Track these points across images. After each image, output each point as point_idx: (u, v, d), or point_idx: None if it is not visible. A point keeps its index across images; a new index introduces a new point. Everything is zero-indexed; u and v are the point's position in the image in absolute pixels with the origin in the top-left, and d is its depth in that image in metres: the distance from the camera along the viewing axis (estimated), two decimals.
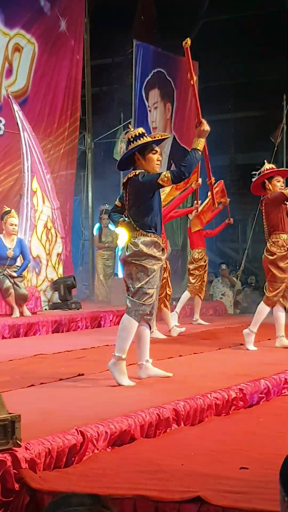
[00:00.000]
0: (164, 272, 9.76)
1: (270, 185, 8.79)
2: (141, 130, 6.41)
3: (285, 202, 8.78)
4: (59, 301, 12.76)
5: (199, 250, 12.21)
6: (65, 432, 4.30)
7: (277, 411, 5.88)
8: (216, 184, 11.61)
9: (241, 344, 8.98)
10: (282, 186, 8.80)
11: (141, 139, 6.33)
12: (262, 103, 18.55)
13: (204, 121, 6.40)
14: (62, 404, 5.40)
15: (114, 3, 16.75)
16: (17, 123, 12.70)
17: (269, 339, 9.25)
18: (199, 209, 11.79)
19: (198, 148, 6.29)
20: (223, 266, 16.14)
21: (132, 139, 6.36)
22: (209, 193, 9.83)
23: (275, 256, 8.76)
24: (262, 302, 8.84)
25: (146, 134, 6.39)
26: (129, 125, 6.63)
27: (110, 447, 4.55)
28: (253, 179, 8.93)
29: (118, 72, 17.58)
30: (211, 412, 5.51)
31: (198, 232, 12.18)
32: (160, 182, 6.22)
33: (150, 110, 16.73)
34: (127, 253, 6.32)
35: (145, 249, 6.25)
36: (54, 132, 14.51)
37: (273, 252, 8.77)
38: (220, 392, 5.70)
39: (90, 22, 15.83)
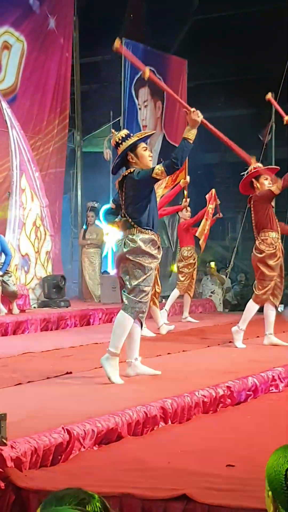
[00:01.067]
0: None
1: (258, 184, 8.80)
2: (125, 132, 6.54)
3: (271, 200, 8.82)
4: (46, 299, 12.75)
5: (188, 248, 12.21)
6: (51, 431, 4.29)
7: (264, 408, 5.89)
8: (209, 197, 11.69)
9: (230, 342, 8.99)
10: (270, 184, 8.80)
11: (129, 139, 6.43)
12: (252, 101, 18.54)
13: (194, 109, 6.40)
14: (49, 402, 5.39)
15: (103, 1, 16.72)
16: (6, 120, 12.67)
17: (258, 336, 9.25)
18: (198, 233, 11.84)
19: (189, 138, 6.31)
20: (212, 264, 16.14)
21: (120, 141, 6.44)
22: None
23: (263, 254, 8.76)
24: (251, 300, 8.85)
25: (131, 134, 6.52)
26: (112, 130, 6.64)
27: (97, 446, 4.54)
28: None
29: (108, 70, 17.54)
30: (199, 410, 5.51)
31: (187, 230, 12.18)
32: (155, 176, 6.28)
33: (140, 108, 16.72)
34: (124, 249, 6.32)
35: (143, 246, 6.27)
36: (43, 129, 14.49)
37: (262, 250, 8.77)
38: (208, 390, 5.69)
39: (79, 20, 15.81)
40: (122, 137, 6.44)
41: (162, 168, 6.23)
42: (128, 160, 6.47)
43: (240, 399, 6.00)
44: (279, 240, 8.87)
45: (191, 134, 6.34)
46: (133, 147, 6.43)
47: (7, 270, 11.39)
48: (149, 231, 6.34)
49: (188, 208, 12.23)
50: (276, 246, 8.77)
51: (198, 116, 6.39)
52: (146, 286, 6.30)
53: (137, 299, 6.27)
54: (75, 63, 15.81)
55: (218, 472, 3.95)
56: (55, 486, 3.71)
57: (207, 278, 15.95)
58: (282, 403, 6.09)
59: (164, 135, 17.50)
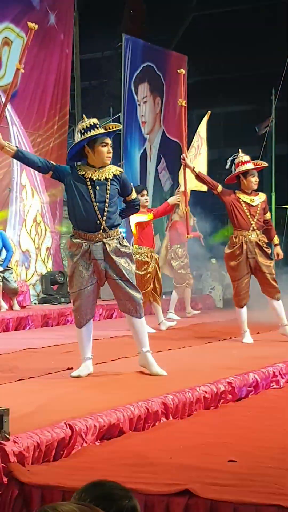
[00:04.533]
0: (147, 267, 9.74)
1: (245, 181, 8.70)
2: (93, 121, 6.26)
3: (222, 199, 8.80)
4: (46, 295, 12.77)
5: (179, 246, 12.25)
6: (53, 426, 4.31)
7: (265, 404, 5.90)
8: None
9: (230, 338, 9.01)
10: (256, 182, 8.73)
11: (92, 130, 6.21)
12: (251, 97, 18.55)
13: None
14: (51, 398, 5.40)
15: None
16: (6, 117, 12.67)
17: (258, 332, 9.27)
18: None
19: None
20: (213, 261, 16.13)
21: (83, 131, 6.23)
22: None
23: (225, 254, 8.76)
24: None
25: (98, 125, 6.26)
26: (84, 115, 6.45)
27: (98, 441, 4.55)
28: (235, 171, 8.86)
29: (108, 66, 17.55)
30: (200, 406, 5.52)
31: (176, 228, 12.27)
32: None
33: (139, 104, 16.73)
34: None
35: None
36: (44, 126, 14.47)
37: (226, 250, 8.77)
38: (209, 386, 5.70)
39: (79, 16, 15.80)
40: (87, 126, 6.21)
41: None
42: (85, 153, 6.32)
43: (241, 395, 6.02)
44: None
45: None
46: (92, 140, 6.24)
47: (8, 267, 11.40)
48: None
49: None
50: (240, 245, 8.65)
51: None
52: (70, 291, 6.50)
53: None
54: (75, 59, 15.79)
55: (220, 467, 3.96)
56: (57, 481, 3.73)
57: (207, 274, 15.95)
58: (283, 399, 6.11)
59: (163, 131, 17.51)
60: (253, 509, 3.34)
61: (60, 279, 12.95)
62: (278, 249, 9.10)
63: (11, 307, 11.34)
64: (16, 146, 6.38)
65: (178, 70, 8.96)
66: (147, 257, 9.75)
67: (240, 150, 8.94)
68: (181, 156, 8.92)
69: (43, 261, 13.10)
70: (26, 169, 12.78)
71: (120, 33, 16.31)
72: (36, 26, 6.56)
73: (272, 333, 9.28)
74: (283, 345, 8.35)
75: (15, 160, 12.61)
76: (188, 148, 8.88)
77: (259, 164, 8.92)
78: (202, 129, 11.31)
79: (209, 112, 11.00)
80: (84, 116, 6.39)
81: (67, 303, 12.47)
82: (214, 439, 4.69)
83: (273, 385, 6.49)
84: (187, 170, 8.96)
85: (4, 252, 11.47)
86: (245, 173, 8.66)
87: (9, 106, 12.69)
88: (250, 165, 8.69)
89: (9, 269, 11.45)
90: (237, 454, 4.20)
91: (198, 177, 8.84)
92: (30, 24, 6.53)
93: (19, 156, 6.35)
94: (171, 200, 9.94)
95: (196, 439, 4.70)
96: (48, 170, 6.35)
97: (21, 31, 13.71)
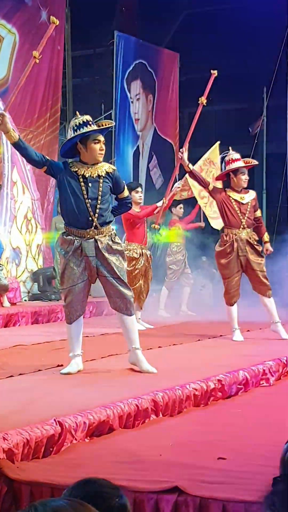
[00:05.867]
0: (136, 263, 9.71)
1: (235, 179, 8.71)
2: (86, 118, 6.24)
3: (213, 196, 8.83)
4: (38, 292, 12.74)
5: (178, 244, 12.30)
6: (43, 423, 4.30)
7: (255, 402, 5.91)
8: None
9: (220, 336, 9.02)
10: (246, 180, 8.74)
11: (85, 127, 6.20)
12: (243, 95, 18.55)
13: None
14: (41, 394, 5.39)
15: None
16: None
17: (248, 330, 9.28)
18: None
19: None
20: (204, 258, 16.14)
21: (76, 128, 6.23)
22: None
23: (216, 252, 8.78)
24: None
25: (91, 122, 6.25)
26: (77, 112, 6.45)
27: (88, 438, 4.55)
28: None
29: (100, 63, 17.52)
30: (190, 403, 5.52)
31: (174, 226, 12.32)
32: None
33: (132, 102, 16.73)
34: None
35: None
36: (35, 122, 14.46)
37: (216, 248, 8.80)
38: (199, 383, 5.71)
39: (71, 13, 15.77)
40: (80, 123, 6.20)
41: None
42: (77, 150, 6.33)
43: (231, 393, 6.02)
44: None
45: None
46: (84, 137, 6.24)
47: None
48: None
49: (181, 205, 12.32)
50: (230, 244, 8.67)
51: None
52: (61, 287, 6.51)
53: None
54: (67, 56, 15.78)
55: (210, 464, 3.96)
56: (47, 478, 3.73)
57: (198, 272, 15.95)
58: (273, 397, 6.12)
59: (155, 128, 17.51)
60: (242, 507, 3.34)
61: (54, 275, 12.94)
62: (267, 246, 9.12)
63: (1, 304, 11.31)
64: (18, 135, 6.34)
65: (212, 71, 9.19)
66: (136, 253, 9.73)
67: (230, 148, 8.95)
68: (180, 150, 8.91)
69: (34, 258, 13.08)
70: (17, 165, 12.75)
71: (112, 30, 16.30)
72: (58, 22, 6.75)
73: (262, 331, 9.31)
74: (273, 343, 8.36)
75: (6, 157, 12.62)
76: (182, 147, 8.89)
77: (249, 162, 8.93)
78: (213, 155, 11.24)
79: (218, 142, 11.08)
80: (77, 112, 6.39)
81: (57, 300, 12.46)
82: (203, 436, 4.69)
83: (263, 383, 6.49)
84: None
85: None
86: (235, 171, 8.68)
87: (0, 102, 12.66)
88: (240, 163, 8.70)
89: (0, 266, 11.43)
90: (226, 452, 4.20)
91: (191, 174, 8.85)
92: (53, 19, 6.80)
93: (19, 145, 6.29)
94: (161, 203, 9.87)
95: (186, 437, 4.71)
96: (43, 165, 6.34)
97: (12, 28, 13.69)
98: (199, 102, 9.05)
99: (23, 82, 6.97)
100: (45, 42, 6.98)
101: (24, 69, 6.89)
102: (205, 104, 9.07)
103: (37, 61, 6.84)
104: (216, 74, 8.95)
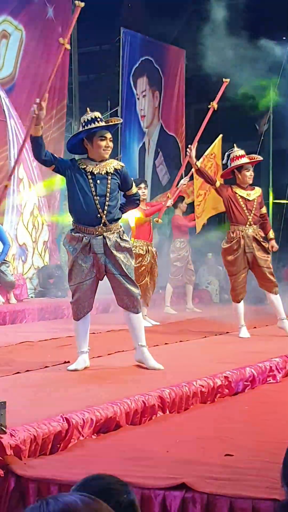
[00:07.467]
0: (142, 260, 9.71)
1: (240, 175, 8.71)
2: (95, 114, 6.26)
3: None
4: (42, 288, 12.76)
5: (181, 240, 12.31)
6: (50, 419, 4.31)
7: (262, 398, 5.90)
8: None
9: (227, 332, 9.02)
10: (251, 176, 8.72)
11: (92, 124, 6.21)
12: (249, 92, 18.50)
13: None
14: (48, 391, 5.40)
15: None
16: (4, 110, 12.64)
17: (255, 327, 9.28)
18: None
19: None
20: (209, 255, 16.14)
21: (84, 124, 6.27)
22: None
23: (222, 249, 8.77)
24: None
25: (99, 119, 6.26)
26: (87, 108, 6.45)
27: (95, 434, 4.55)
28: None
29: (106, 60, 17.49)
30: (197, 400, 5.52)
31: (177, 222, 12.30)
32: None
33: (138, 98, 16.71)
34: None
35: None
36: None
37: (223, 244, 8.78)
38: (206, 380, 5.71)
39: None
40: (88, 120, 6.22)
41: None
42: (84, 146, 6.35)
43: (237, 389, 6.02)
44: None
45: None
46: (90, 134, 6.26)
47: (5, 260, 11.39)
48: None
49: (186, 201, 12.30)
50: (237, 241, 8.67)
51: None
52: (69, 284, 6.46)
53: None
54: (73, 53, 15.76)
55: (217, 461, 3.96)
56: (54, 474, 3.73)
57: (204, 269, 15.96)
58: (280, 394, 6.11)
59: (161, 125, 17.49)
60: (249, 503, 3.34)
61: (56, 273, 12.94)
62: (273, 243, 9.09)
63: (7, 301, 11.33)
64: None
65: (224, 79, 9.32)
66: (142, 250, 9.74)
67: (235, 145, 8.94)
68: (189, 147, 8.89)
69: (40, 255, 13.09)
70: (24, 162, 12.75)
71: (118, 27, 16.27)
72: (83, 4, 6.84)
73: (269, 327, 9.30)
74: (280, 340, 8.35)
75: (12, 153, 12.62)
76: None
77: (254, 158, 8.92)
78: (216, 149, 11.20)
79: (221, 135, 10.99)
80: (88, 109, 6.39)
81: (64, 297, 12.46)
82: (210, 433, 4.69)
83: (269, 380, 6.49)
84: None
85: (0, 245, 11.45)
86: (240, 168, 8.68)
87: (7, 99, 12.67)
88: (245, 160, 8.70)
89: (6, 263, 11.44)
90: (233, 448, 4.20)
91: (199, 171, 8.84)
92: (78, 2, 6.80)
93: (38, 141, 6.24)
94: (169, 203, 9.88)
95: (193, 433, 4.71)
96: (52, 163, 6.34)
97: (19, 24, 13.68)
98: (209, 106, 9.07)
99: (54, 73, 6.93)
100: (71, 28, 7.14)
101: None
102: (215, 109, 9.09)
103: (68, 47, 6.85)
104: (228, 81, 9.02)
